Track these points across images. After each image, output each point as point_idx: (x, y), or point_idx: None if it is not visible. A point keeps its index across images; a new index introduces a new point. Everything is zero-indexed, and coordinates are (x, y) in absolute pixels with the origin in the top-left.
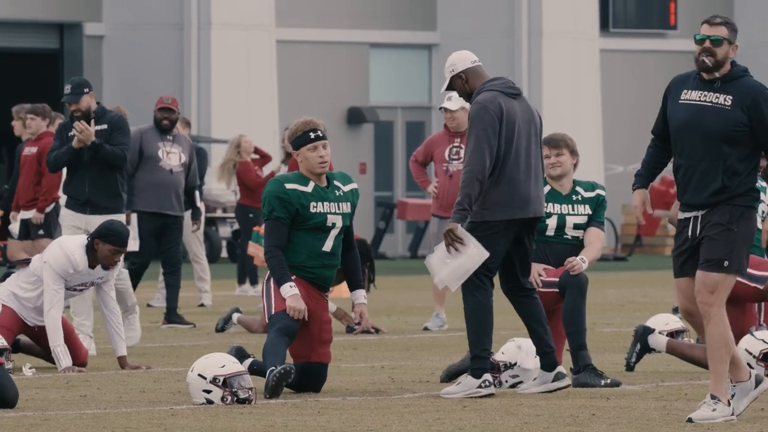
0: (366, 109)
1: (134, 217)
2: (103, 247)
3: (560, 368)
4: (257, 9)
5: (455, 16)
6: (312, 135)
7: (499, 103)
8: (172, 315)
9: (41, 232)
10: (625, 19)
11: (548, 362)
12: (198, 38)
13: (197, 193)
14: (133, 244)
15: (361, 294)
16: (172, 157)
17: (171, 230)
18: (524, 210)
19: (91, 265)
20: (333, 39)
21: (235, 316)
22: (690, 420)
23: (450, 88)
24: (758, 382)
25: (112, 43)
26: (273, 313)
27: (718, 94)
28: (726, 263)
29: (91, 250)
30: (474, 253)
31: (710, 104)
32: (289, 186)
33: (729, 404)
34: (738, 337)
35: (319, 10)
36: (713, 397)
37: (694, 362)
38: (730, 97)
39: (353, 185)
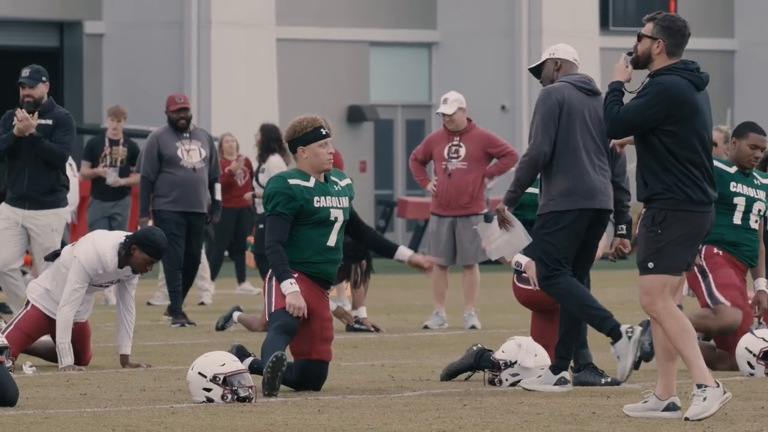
0: (366, 107)
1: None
2: (139, 254)
3: (565, 374)
4: (257, 7)
5: (455, 14)
6: (323, 131)
7: (563, 93)
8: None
9: None
10: (625, 17)
11: (557, 366)
12: (198, 37)
13: (217, 185)
14: None
15: (406, 251)
16: (192, 154)
17: (194, 231)
18: (590, 200)
19: (120, 265)
20: (333, 37)
21: (236, 315)
22: (687, 419)
23: (538, 67)
24: (668, 409)
25: (112, 41)
26: (273, 310)
27: (643, 91)
28: (651, 264)
29: (126, 252)
30: (519, 236)
31: None
32: (292, 182)
33: (718, 385)
34: (726, 332)
35: (319, 9)
36: (699, 385)
37: None
38: (644, 94)
39: (348, 180)
